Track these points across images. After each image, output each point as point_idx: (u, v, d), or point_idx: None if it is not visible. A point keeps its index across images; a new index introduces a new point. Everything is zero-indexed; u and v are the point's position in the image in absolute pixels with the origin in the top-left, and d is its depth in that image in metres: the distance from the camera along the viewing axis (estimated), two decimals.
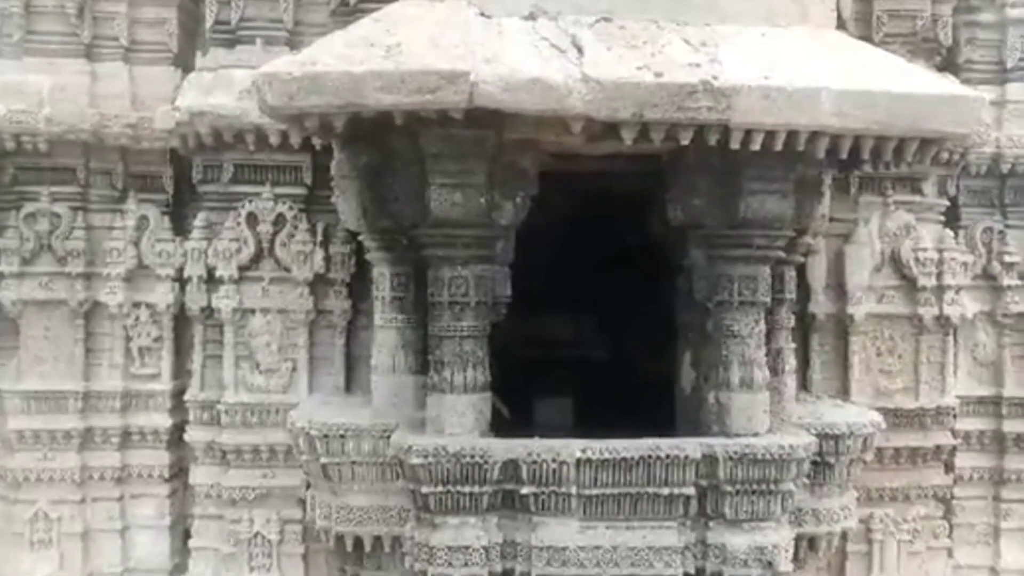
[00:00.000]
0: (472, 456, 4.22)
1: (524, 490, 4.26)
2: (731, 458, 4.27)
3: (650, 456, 4.25)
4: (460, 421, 4.37)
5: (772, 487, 4.34)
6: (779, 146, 3.89)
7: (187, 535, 6.08)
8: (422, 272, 4.72)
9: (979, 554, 6.29)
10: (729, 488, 4.31)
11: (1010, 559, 6.24)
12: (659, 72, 3.80)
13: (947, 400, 5.89)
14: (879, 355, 5.80)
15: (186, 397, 5.74)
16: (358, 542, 4.93)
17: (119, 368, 5.98)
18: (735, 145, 3.89)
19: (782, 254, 4.62)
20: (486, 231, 4.34)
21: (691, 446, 4.29)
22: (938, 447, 5.88)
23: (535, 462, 4.22)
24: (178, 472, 6.13)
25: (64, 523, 5.89)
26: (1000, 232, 6.24)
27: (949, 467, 6.07)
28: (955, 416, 6.01)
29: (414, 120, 3.85)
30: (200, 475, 5.69)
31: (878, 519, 5.77)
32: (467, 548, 4.29)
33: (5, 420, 5.89)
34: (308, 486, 5.39)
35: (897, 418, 5.73)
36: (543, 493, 4.28)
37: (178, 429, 6.05)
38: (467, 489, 4.25)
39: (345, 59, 3.80)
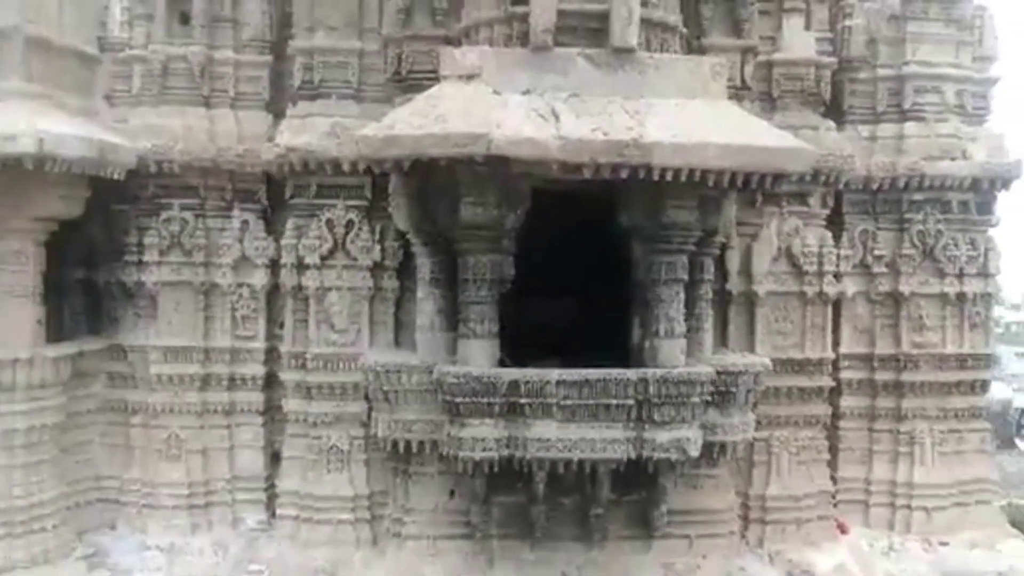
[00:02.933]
0: (488, 378, 6.47)
1: (522, 401, 6.50)
2: (657, 380, 6.52)
3: (605, 379, 6.50)
4: (479, 357, 6.64)
5: (685, 400, 6.59)
6: (683, 179, 6.13)
7: (275, 456, 8.33)
8: (451, 261, 6.99)
9: (856, 471, 8.51)
10: (656, 400, 6.55)
11: (879, 473, 8.47)
12: (607, 132, 6.05)
13: (826, 354, 8.15)
14: (776, 321, 8.05)
15: (282, 350, 7.97)
16: (408, 446, 7.19)
17: (228, 331, 8.19)
18: (655, 178, 6.13)
19: (694, 248, 6.86)
20: (497, 232, 6.59)
21: (631, 373, 6.56)
22: (819, 387, 8.14)
23: (529, 382, 6.47)
24: (268, 408, 8.35)
25: (189, 443, 8.10)
26: (873, 233, 8.45)
27: (830, 403, 8.30)
28: (833, 365, 8.25)
29: (453, 162, 6.10)
30: (291, 405, 7.91)
31: (775, 439, 8.03)
32: (484, 439, 6.54)
33: (148, 367, 8.10)
34: (369, 412, 7.66)
35: (789, 366, 8.01)
36: (534, 403, 6.51)
37: (268, 376, 8.28)
38: (484, 400, 6.49)
39: (409, 124, 6.07)
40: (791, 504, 7.98)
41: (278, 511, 7.94)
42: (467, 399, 6.51)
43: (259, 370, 8.23)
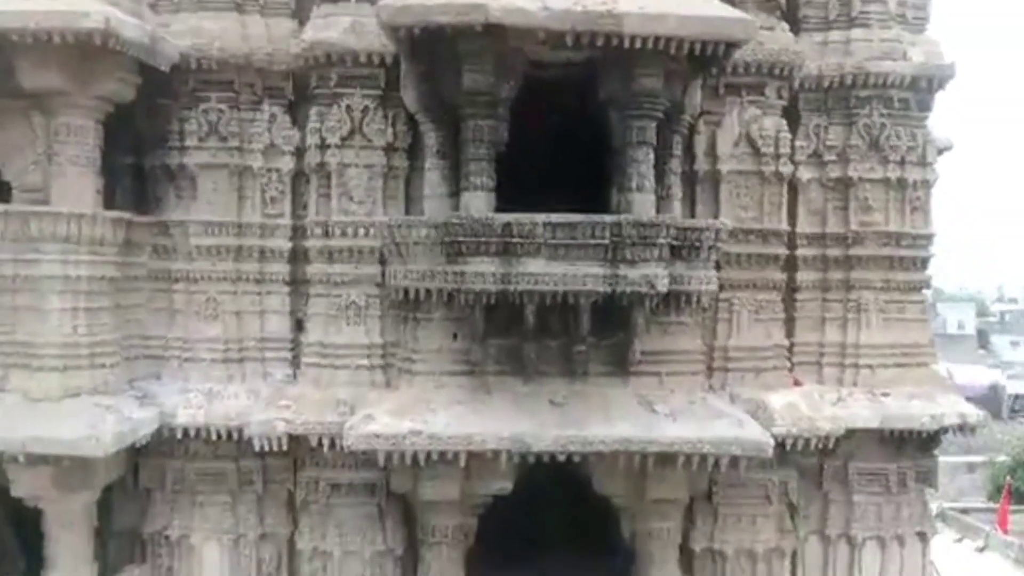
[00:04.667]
0: (485, 220, 7.65)
1: (514, 241, 7.66)
2: (629, 223, 7.68)
3: (585, 222, 7.66)
4: (478, 205, 7.82)
5: (653, 241, 7.74)
6: (649, 46, 7.31)
7: (299, 323, 9.48)
8: (454, 134, 8.18)
9: (811, 336, 9.64)
10: (628, 241, 7.71)
11: (830, 337, 9.60)
12: (585, 5, 7.23)
13: (781, 226, 9.31)
14: (738, 197, 9.20)
15: (307, 221, 9.14)
16: (416, 294, 8.35)
17: (258, 209, 9.34)
18: (626, 45, 7.30)
19: (662, 116, 8.03)
20: (493, 98, 7.78)
21: (608, 217, 7.73)
22: (776, 255, 9.30)
23: (520, 224, 7.63)
24: (293, 280, 9.50)
25: (224, 305, 9.23)
26: (825, 127, 9.58)
27: (787, 273, 9.45)
28: (789, 240, 9.41)
29: (456, 32, 7.27)
30: (315, 268, 9.07)
31: (737, 299, 9.19)
32: (482, 274, 7.70)
33: (188, 240, 9.25)
34: (383, 274, 8.83)
35: (749, 235, 9.17)
36: (525, 243, 7.67)
37: (293, 251, 9.43)
38: (483, 239, 7.66)
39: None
40: (750, 355, 9.15)
41: (303, 360, 9.10)
42: (467, 239, 7.67)
43: (285, 245, 9.39)
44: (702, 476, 8.54)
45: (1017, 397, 50.89)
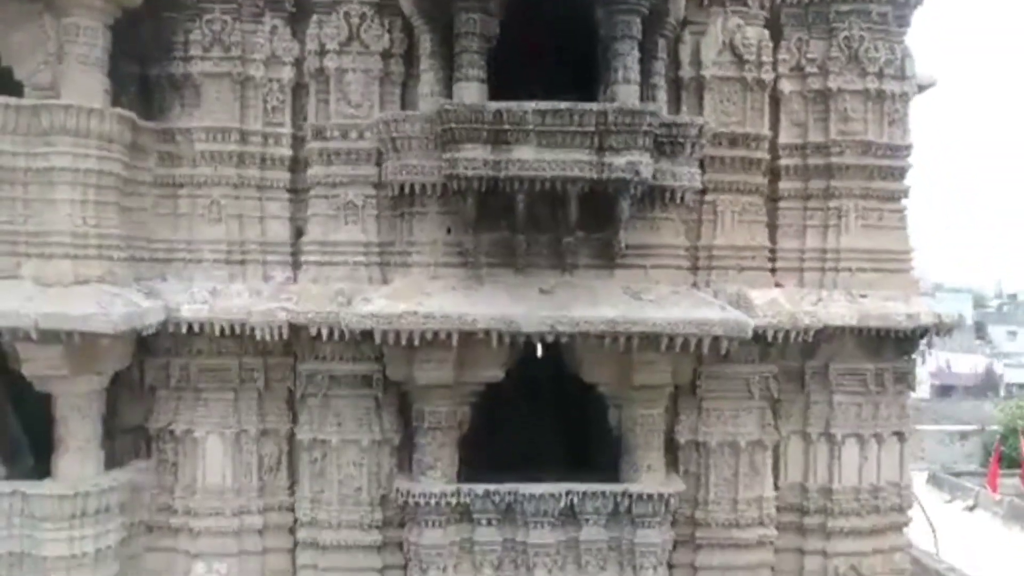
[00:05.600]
0: (477, 107, 8.01)
1: (505, 128, 8.02)
2: (614, 111, 8.04)
3: (572, 109, 8.02)
4: (470, 93, 8.18)
5: (637, 129, 8.10)
6: None
7: (298, 231, 9.82)
8: (447, 36, 8.53)
9: (793, 243, 9.96)
10: (614, 129, 8.06)
11: (811, 243, 9.91)
12: None
13: (763, 131, 9.66)
14: (721, 103, 9.55)
15: (307, 125, 9.48)
16: (412, 188, 8.72)
17: (260, 117, 9.66)
18: None
19: (646, 12, 8.38)
20: None
21: (594, 105, 8.09)
22: (758, 159, 9.63)
23: (510, 111, 7.99)
24: (293, 188, 9.85)
25: (227, 209, 9.54)
26: (806, 40, 9.91)
27: (768, 179, 9.80)
28: (771, 149, 9.76)
29: None
30: (315, 170, 9.39)
31: (720, 201, 9.53)
32: (474, 159, 8.06)
33: (193, 146, 9.60)
34: (380, 176, 9.18)
35: (732, 139, 9.52)
36: (515, 130, 8.03)
37: (293, 159, 9.77)
38: (474, 126, 8.01)
39: None
40: (733, 253, 9.50)
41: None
42: (460, 126, 8.03)
43: (286, 152, 9.72)
44: (686, 363, 8.90)
45: (1020, 387, 51.51)
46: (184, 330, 9.16)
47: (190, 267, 9.55)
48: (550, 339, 8.27)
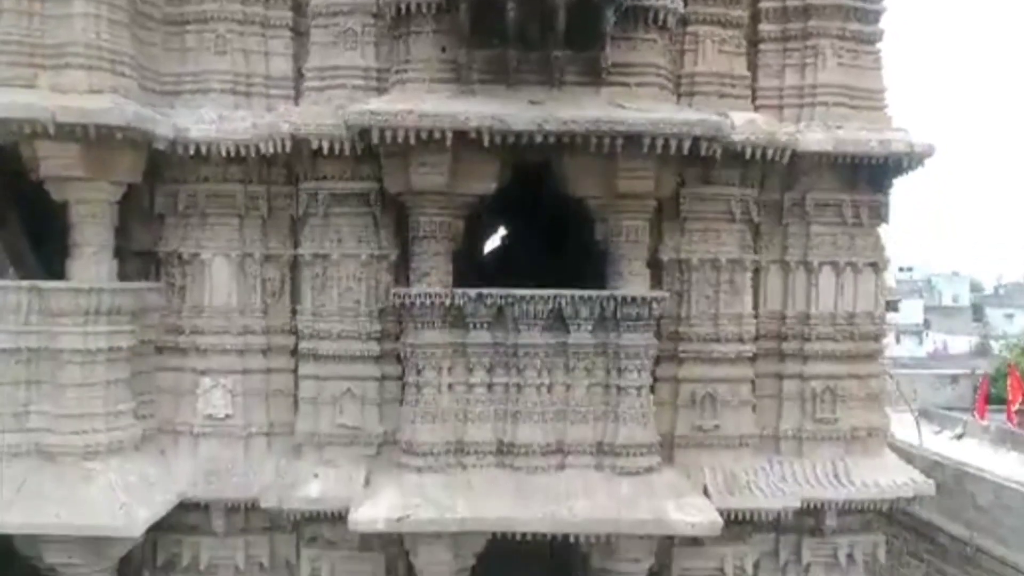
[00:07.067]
0: None
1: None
2: None
3: None
4: None
5: None
6: None
7: (299, 73, 10.27)
8: None
9: (772, 82, 10.41)
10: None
11: (789, 81, 10.38)
12: None
13: None
14: None
15: None
16: (408, 9, 9.16)
17: None
18: None
19: None
20: None
21: None
22: None
23: None
24: (296, 29, 10.33)
25: (233, 43, 9.97)
26: None
27: (747, 11, 10.27)
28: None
29: None
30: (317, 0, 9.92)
31: (702, 32, 9.98)
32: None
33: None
34: (378, 4, 9.64)
35: None
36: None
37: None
38: None
39: None
40: (715, 79, 9.96)
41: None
42: None
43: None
44: (669, 173, 9.35)
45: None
46: (192, 152, 9.64)
47: (198, 97, 10.02)
48: (539, 139, 8.71)
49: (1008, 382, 29.58)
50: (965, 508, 15.59)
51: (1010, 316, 73.84)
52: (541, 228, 10.86)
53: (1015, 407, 26.85)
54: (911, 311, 64.16)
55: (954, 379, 33.02)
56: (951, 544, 15.57)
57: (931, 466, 15.34)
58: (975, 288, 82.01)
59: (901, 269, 74.97)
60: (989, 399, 28.16)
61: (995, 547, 14.43)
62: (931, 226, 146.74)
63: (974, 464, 16.31)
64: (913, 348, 58.69)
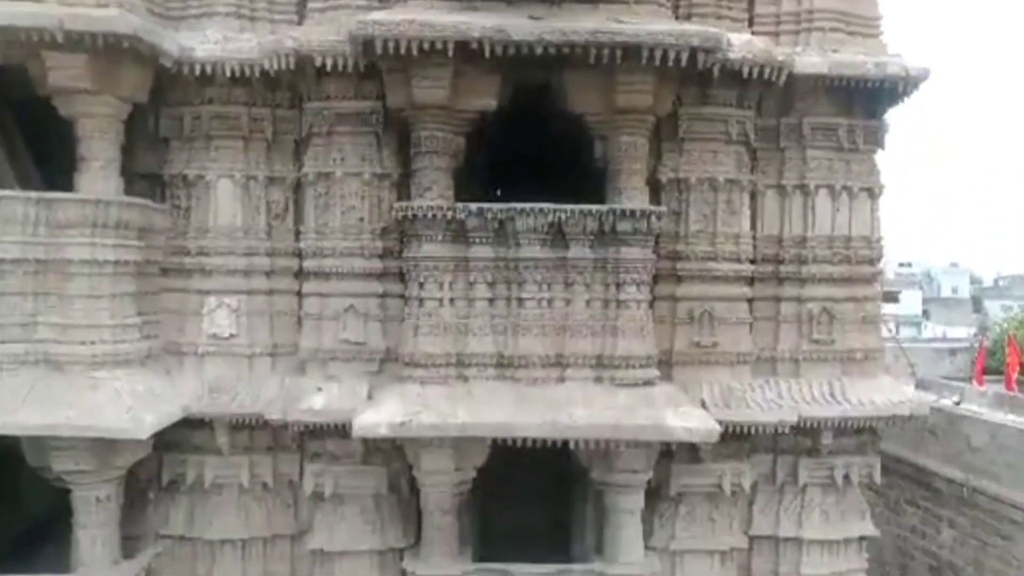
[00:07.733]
0: None
1: None
2: None
3: None
4: None
5: None
6: None
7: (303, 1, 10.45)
8: None
9: (770, 9, 10.59)
10: None
11: (784, 8, 10.57)
12: None
13: None
14: None
15: None
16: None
17: None
18: None
19: None
20: None
21: None
22: None
23: None
24: None
25: None
26: None
27: None
28: None
29: None
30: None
31: None
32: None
33: None
34: None
35: None
36: None
37: None
38: None
39: None
40: (711, 1, 10.10)
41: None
42: None
43: None
44: (667, 89, 9.49)
45: None
46: (197, 72, 9.77)
47: (203, 21, 10.15)
48: (539, 51, 8.85)
49: (1007, 351, 29.76)
50: (961, 451, 15.76)
51: (1009, 308, 74.09)
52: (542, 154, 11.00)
53: (1015, 375, 26.94)
54: (910, 302, 64.30)
55: (952, 352, 33.23)
56: (947, 488, 15.74)
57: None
58: (974, 281, 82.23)
59: (901, 264, 75.15)
60: (987, 370, 28.35)
61: (990, 486, 14.60)
62: (930, 223, 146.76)
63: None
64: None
